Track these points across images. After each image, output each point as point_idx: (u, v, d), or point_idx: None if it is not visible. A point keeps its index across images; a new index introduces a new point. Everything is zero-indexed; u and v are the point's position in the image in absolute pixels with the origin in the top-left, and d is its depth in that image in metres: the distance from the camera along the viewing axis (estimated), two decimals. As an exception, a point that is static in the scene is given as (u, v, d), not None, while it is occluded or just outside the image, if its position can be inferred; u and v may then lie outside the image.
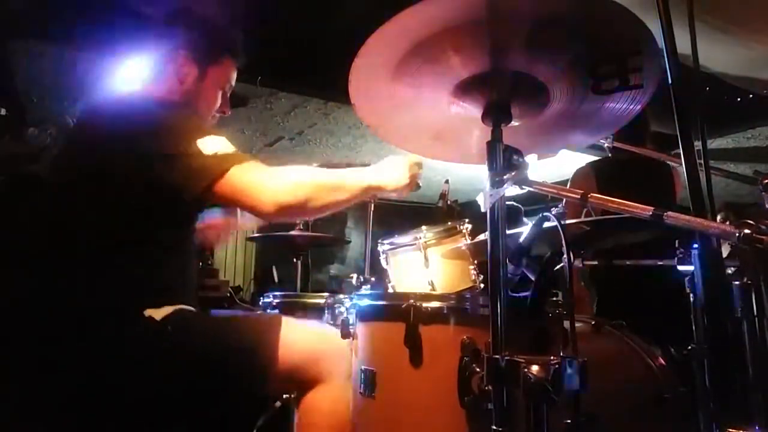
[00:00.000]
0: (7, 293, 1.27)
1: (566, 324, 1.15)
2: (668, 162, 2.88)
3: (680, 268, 1.25)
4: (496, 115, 1.03)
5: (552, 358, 0.88)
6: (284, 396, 1.61)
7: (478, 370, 1.03)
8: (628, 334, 1.76)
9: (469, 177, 4.61)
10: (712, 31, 2.65)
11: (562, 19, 0.90)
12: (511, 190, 0.98)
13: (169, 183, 1.27)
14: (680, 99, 1.03)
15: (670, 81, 1.03)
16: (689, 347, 1.18)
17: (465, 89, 1.03)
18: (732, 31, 2.69)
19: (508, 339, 0.93)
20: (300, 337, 1.39)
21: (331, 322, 2.02)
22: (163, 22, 1.61)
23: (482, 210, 1.01)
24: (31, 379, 1.21)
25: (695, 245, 1.01)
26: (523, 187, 0.97)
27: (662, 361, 1.68)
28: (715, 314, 1.04)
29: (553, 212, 1.10)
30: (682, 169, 1.01)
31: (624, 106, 1.04)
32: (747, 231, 0.77)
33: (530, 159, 1.01)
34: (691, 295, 1.17)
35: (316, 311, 2.08)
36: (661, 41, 1.00)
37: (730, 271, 1.07)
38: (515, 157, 0.99)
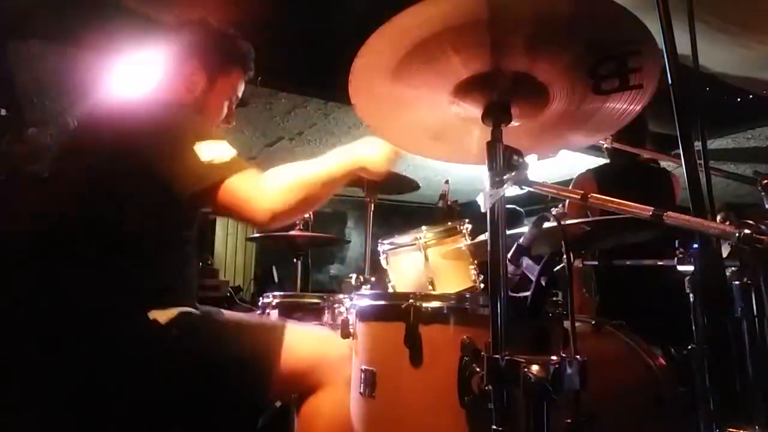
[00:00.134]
0: (7, 293, 1.27)
1: (566, 324, 1.15)
2: (668, 166, 2.89)
3: (680, 268, 1.25)
4: (496, 115, 1.03)
5: (552, 358, 0.88)
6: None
7: (478, 370, 1.03)
8: (628, 334, 1.77)
9: (469, 177, 4.61)
10: (712, 31, 2.66)
11: (562, 19, 0.90)
12: (511, 191, 0.98)
13: (167, 185, 1.28)
14: (680, 99, 1.03)
15: (670, 81, 1.03)
16: (689, 347, 1.18)
17: (465, 89, 1.03)
18: (732, 31, 2.70)
19: (508, 339, 0.93)
20: (303, 344, 1.39)
21: (331, 322, 2.02)
22: (176, 29, 1.61)
23: (482, 210, 1.01)
24: (31, 379, 1.21)
25: (695, 245, 1.01)
26: (523, 187, 0.97)
27: (662, 361, 1.68)
28: (715, 314, 1.04)
29: (553, 212, 1.10)
30: (682, 170, 1.01)
31: (624, 106, 1.04)
32: (747, 231, 0.77)
33: (530, 159, 1.01)
34: (691, 295, 1.17)
35: (316, 311, 2.08)
36: (661, 41, 1.01)
37: (730, 272, 1.07)
38: (515, 157, 0.99)
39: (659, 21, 1.05)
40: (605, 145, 2.41)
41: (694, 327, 1.17)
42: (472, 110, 1.06)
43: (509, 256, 1.18)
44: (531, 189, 0.97)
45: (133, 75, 2.52)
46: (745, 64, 3.12)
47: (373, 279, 2.15)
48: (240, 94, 1.66)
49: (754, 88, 3.44)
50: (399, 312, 1.23)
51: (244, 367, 1.31)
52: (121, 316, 1.26)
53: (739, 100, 3.56)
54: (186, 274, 1.43)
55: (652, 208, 0.86)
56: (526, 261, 1.18)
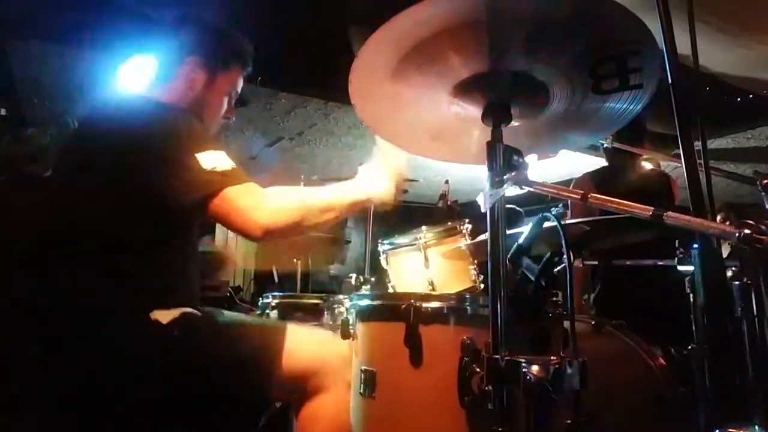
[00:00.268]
0: (8, 294, 1.27)
1: (566, 324, 1.15)
2: (668, 165, 2.90)
3: (680, 268, 1.25)
4: (496, 115, 1.03)
5: (552, 358, 0.88)
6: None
7: (478, 370, 1.03)
8: (628, 334, 1.77)
9: (469, 177, 4.59)
10: (712, 31, 2.65)
11: (562, 19, 0.90)
12: (511, 190, 0.98)
13: (167, 190, 1.28)
14: (680, 99, 1.03)
15: (670, 81, 1.03)
16: (689, 347, 1.18)
17: (465, 89, 1.03)
18: (732, 31, 2.70)
19: (508, 339, 0.93)
20: (304, 346, 1.39)
21: (331, 323, 2.02)
22: (174, 27, 1.61)
23: (482, 210, 1.01)
24: (31, 379, 1.21)
25: (695, 245, 1.01)
26: (523, 187, 0.97)
27: (662, 361, 1.68)
28: (715, 314, 1.04)
29: (553, 212, 1.10)
30: (682, 170, 1.01)
31: (624, 106, 1.04)
32: (747, 231, 0.77)
33: (530, 159, 1.01)
34: (691, 295, 1.17)
35: (315, 311, 2.08)
36: (661, 41, 1.00)
37: (730, 272, 1.07)
38: (515, 157, 0.99)
39: (659, 21, 1.05)
40: (605, 145, 2.42)
41: (694, 327, 1.17)
42: (472, 110, 1.06)
43: (509, 256, 1.18)
44: (531, 189, 0.97)
45: (133, 74, 2.52)
46: (745, 64, 3.12)
47: (373, 279, 2.15)
48: (239, 90, 1.66)
49: (754, 88, 3.44)
50: (399, 312, 1.23)
51: (245, 368, 1.31)
52: (121, 317, 1.26)
53: (739, 100, 3.56)
54: (187, 274, 1.43)
55: (652, 208, 0.86)
56: (526, 261, 1.18)
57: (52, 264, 1.28)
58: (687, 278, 1.20)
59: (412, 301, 1.23)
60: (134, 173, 1.29)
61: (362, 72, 1.00)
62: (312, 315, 2.07)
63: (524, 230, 1.15)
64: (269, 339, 1.36)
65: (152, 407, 1.25)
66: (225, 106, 1.62)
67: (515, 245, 1.14)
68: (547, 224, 1.13)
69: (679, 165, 1.03)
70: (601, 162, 3.09)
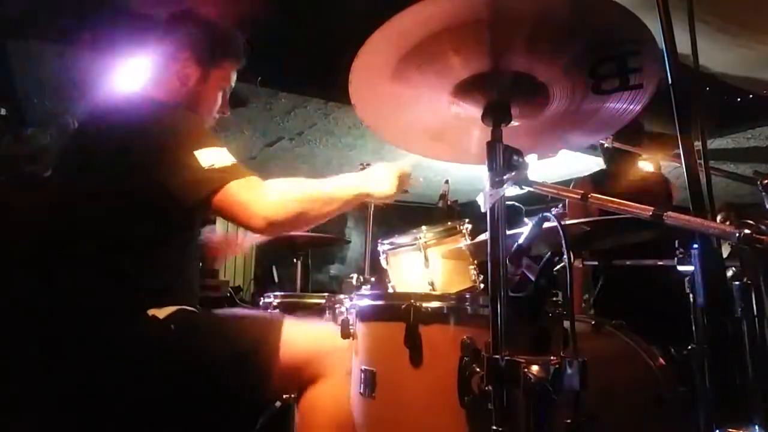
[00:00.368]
0: (7, 293, 1.27)
1: (566, 324, 1.15)
2: (667, 165, 2.90)
3: (680, 268, 1.25)
4: (496, 115, 1.03)
5: (552, 358, 0.88)
6: (284, 396, 1.61)
7: (478, 370, 1.03)
8: (628, 334, 1.77)
9: (469, 177, 4.60)
10: (712, 31, 2.66)
11: (562, 19, 0.90)
12: (511, 191, 0.98)
13: (168, 189, 1.28)
14: (680, 99, 1.03)
15: (670, 81, 1.03)
16: (689, 347, 1.18)
17: (465, 89, 1.03)
18: (732, 31, 2.70)
19: (508, 339, 0.93)
20: (301, 336, 1.39)
21: (331, 323, 2.02)
22: (166, 24, 1.61)
23: (482, 210, 1.01)
24: (31, 379, 1.21)
25: (695, 245, 1.01)
26: (523, 187, 0.97)
27: (662, 361, 1.68)
28: (715, 314, 1.04)
29: (553, 212, 1.10)
30: (683, 169, 1.01)
31: (624, 106, 1.04)
32: (747, 231, 0.77)
33: (530, 159, 1.01)
34: (691, 295, 1.17)
35: (316, 311, 2.08)
36: (661, 41, 1.00)
37: (730, 272, 1.07)
38: (515, 157, 0.99)
39: (659, 21, 1.05)
40: (606, 145, 2.42)
41: (694, 327, 1.17)
42: (472, 110, 1.06)
43: (509, 256, 1.18)
44: (531, 189, 0.97)
45: (130, 73, 2.52)
46: (745, 64, 3.12)
47: (373, 279, 2.15)
48: (233, 84, 1.66)
49: (754, 88, 3.44)
50: (399, 312, 1.23)
51: (243, 362, 1.31)
52: (121, 316, 1.26)
53: (739, 100, 3.56)
54: (187, 274, 1.44)
55: (651, 208, 0.86)
56: (526, 261, 1.18)
57: (52, 264, 1.28)
58: (687, 278, 1.20)
59: (412, 301, 1.23)
60: (134, 173, 1.29)
61: (362, 72, 1.00)
62: (312, 315, 2.07)
63: (524, 230, 1.15)
64: (266, 331, 1.37)
65: (152, 405, 1.25)
66: (219, 101, 1.62)
67: (515, 245, 1.14)
68: (547, 224, 1.13)
69: (679, 165, 1.03)
70: (600, 162, 3.09)
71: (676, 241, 1.29)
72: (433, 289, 1.76)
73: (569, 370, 0.88)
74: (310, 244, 3.04)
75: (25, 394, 1.21)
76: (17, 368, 1.22)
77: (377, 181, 1.51)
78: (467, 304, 1.25)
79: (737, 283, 1.02)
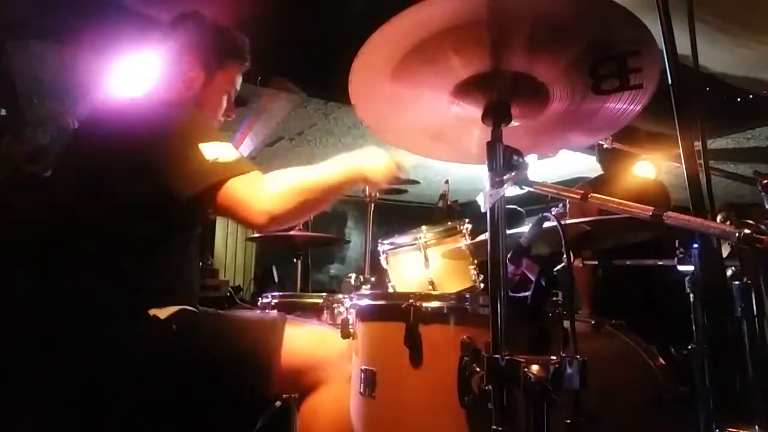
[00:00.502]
0: (7, 293, 1.27)
1: (566, 324, 1.15)
2: (667, 165, 2.90)
3: (680, 268, 1.25)
4: (496, 115, 1.03)
5: (552, 358, 0.88)
6: (284, 396, 1.61)
7: (478, 370, 1.03)
8: (628, 334, 1.77)
9: (469, 177, 4.61)
10: (712, 31, 2.66)
11: (562, 19, 0.90)
12: (511, 191, 0.98)
13: (168, 184, 1.27)
14: (680, 99, 1.03)
15: (670, 81, 1.03)
16: (689, 347, 1.18)
17: (465, 89, 1.03)
18: (732, 31, 2.70)
19: (508, 339, 0.93)
20: (303, 340, 1.39)
21: (331, 322, 2.02)
22: (170, 26, 1.61)
23: (482, 210, 1.01)
24: (31, 379, 1.21)
25: (695, 245, 1.01)
26: (523, 187, 0.97)
27: (662, 361, 1.68)
28: (715, 314, 1.04)
29: (553, 212, 1.10)
30: (683, 169, 1.01)
31: (624, 106, 1.04)
32: (747, 231, 0.77)
33: (530, 159, 1.01)
34: (691, 295, 1.17)
35: (315, 311, 2.08)
36: (661, 41, 1.00)
37: (730, 272, 1.07)
38: (515, 157, 0.98)
39: (659, 21, 1.05)
40: (605, 145, 2.41)
41: (694, 327, 1.17)
42: (472, 110, 1.06)
43: (509, 256, 1.18)
44: (531, 189, 0.97)
45: (132, 74, 2.52)
46: (745, 64, 3.12)
47: (373, 279, 2.15)
48: (238, 87, 1.66)
49: (754, 88, 3.44)
50: (399, 312, 1.23)
51: (244, 362, 1.31)
52: (121, 316, 1.26)
53: (739, 100, 3.56)
54: (187, 274, 1.44)
55: (651, 208, 0.86)
56: (526, 261, 1.18)
57: (52, 264, 1.28)
58: (687, 278, 1.20)
59: (412, 301, 1.23)
60: (135, 172, 1.28)
61: (362, 72, 1.00)
62: (312, 315, 2.07)
63: (524, 230, 1.15)
64: (267, 332, 1.36)
65: (152, 404, 1.25)
66: (224, 105, 1.62)
67: (515, 245, 1.14)
68: (547, 224, 1.13)
69: (679, 165, 1.03)
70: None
71: (676, 241, 1.29)
72: (433, 289, 1.76)
73: (569, 370, 0.88)
74: (310, 244, 3.03)
75: (25, 394, 1.21)
76: (17, 368, 1.22)
77: (370, 158, 1.48)
78: (467, 304, 1.25)
79: (737, 283, 1.02)
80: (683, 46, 1.09)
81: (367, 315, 1.38)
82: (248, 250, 6.35)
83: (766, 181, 1.26)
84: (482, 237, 1.71)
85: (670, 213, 0.83)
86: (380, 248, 1.94)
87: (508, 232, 1.01)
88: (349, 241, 6.26)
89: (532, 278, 1.11)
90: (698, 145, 1.13)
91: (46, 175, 1.37)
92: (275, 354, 1.32)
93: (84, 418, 1.22)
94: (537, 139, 1.19)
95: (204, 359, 1.29)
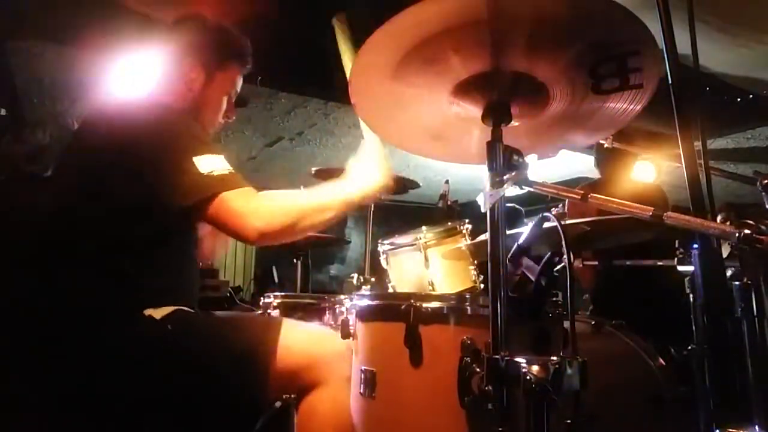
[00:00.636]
0: (7, 293, 1.27)
1: (566, 324, 1.15)
2: (667, 165, 2.90)
3: (680, 268, 1.26)
4: (496, 115, 1.03)
5: (552, 358, 0.88)
6: (284, 396, 1.61)
7: (478, 370, 1.03)
8: (628, 334, 1.77)
9: (469, 177, 4.61)
10: (712, 31, 2.66)
11: (562, 19, 0.90)
12: (511, 191, 0.98)
13: (161, 194, 1.28)
14: (680, 99, 1.03)
15: (670, 81, 1.03)
16: (689, 347, 1.18)
17: (465, 89, 1.03)
18: (732, 31, 2.70)
19: (508, 339, 0.93)
20: (299, 340, 1.39)
21: (331, 323, 2.02)
22: (172, 27, 1.61)
23: (482, 210, 1.01)
24: (30, 378, 1.21)
25: (695, 245, 1.01)
26: (523, 187, 0.97)
27: (662, 361, 1.68)
28: (715, 314, 1.04)
29: (553, 212, 1.10)
30: (683, 170, 1.01)
31: (624, 106, 1.04)
32: (747, 231, 0.77)
33: (530, 159, 1.01)
34: (691, 295, 1.17)
35: (316, 312, 2.08)
36: (661, 41, 1.00)
37: (730, 272, 1.07)
38: (515, 157, 0.99)
39: (659, 21, 1.05)
40: (606, 145, 2.41)
41: (694, 327, 1.17)
42: (472, 110, 1.06)
43: (509, 256, 1.18)
44: (531, 189, 0.97)
45: (132, 74, 2.52)
46: (745, 64, 3.12)
47: (373, 279, 2.15)
48: (239, 89, 1.66)
49: (754, 88, 3.44)
50: (399, 312, 1.23)
51: (240, 363, 1.31)
52: (120, 316, 1.26)
53: (739, 100, 3.57)
54: (186, 274, 1.44)
55: (651, 208, 0.86)
56: (526, 261, 1.18)
57: (52, 264, 1.28)
58: (687, 278, 1.20)
59: (412, 301, 1.23)
60: (133, 175, 1.29)
61: (362, 72, 1.00)
62: (312, 315, 2.07)
63: (524, 230, 1.15)
64: (263, 333, 1.36)
65: (149, 404, 1.25)
66: (224, 106, 1.62)
67: (515, 245, 1.14)
68: (547, 224, 1.13)
69: (679, 165, 1.03)
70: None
71: (676, 241, 1.29)
72: (433, 289, 1.76)
73: (569, 370, 0.88)
74: (310, 244, 3.04)
75: (24, 394, 1.21)
76: (17, 368, 1.22)
77: (367, 183, 1.50)
78: (467, 304, 1.25)
79: (737, 283, 1.02)
80: (683, 46, 1.09)
81: (367, 315, 1.38)
82: (248, 251, 6.36)
83: (766, 181, 1.25)
84: (482, 237, 1.71)
85: (670, 213, 0.83)
86: (380, 248, 1.94)
87: (508, 232, 1.01)
88: (349, 242, 6.26)
89: (532, 278, 1.11)
90: (698, 145, 1.13)
91: (45, 175, 1.37)
92: (271, 354, 1.32)
93: (82, 417, 1.22)
94: (537, 139, 1.19)
95: (199, 359, 1.29)
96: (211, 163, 1.29)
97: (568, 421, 0.95)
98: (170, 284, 1.37)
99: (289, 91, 3.70)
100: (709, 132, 3.85)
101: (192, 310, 1.37)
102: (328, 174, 2.17)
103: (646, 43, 0.91)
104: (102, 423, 1.23)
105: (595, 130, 1.17)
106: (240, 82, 1.65)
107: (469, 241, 1.77)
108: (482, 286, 1.74)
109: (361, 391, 1.29)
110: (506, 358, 0.90)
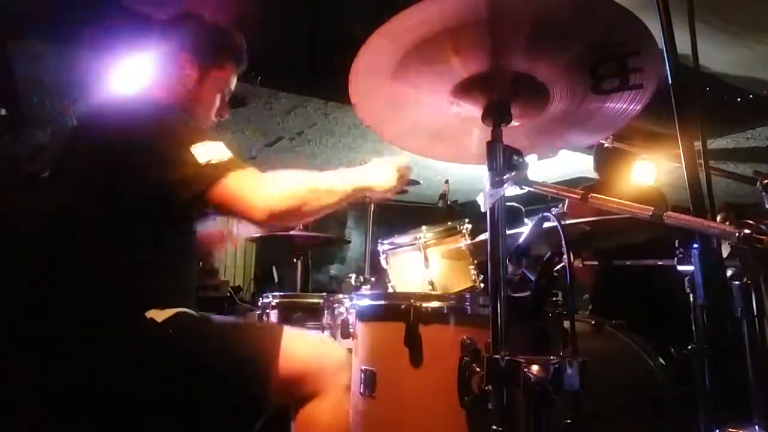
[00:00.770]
0: (7, 294, 1.27)
1: (566, 324, 1.15)
2: (667, 165, 2.90)
3: (680, 268, 1.25)
4: (496, 115, 1.03)
5: (552, 358, 0.88)
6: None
7: (478, 370, 1.03)
8: (628, 334, 1.77)
9: (469, 177, 4.61)
10: (712, 31, 2.66)
11: (562, 19, 0.90)
12: (511, 190, 0.98)
13: (164, 188, 1.28)
14: (680, 99, 1.03)
15: (670, 81, 1.03)
16: (689, 347, 1.18)
17: (465, 89, 1.03)
18: (732, 31, 2.70)
19: (508, 339, 0.93)
20: (301, 349, 1.37)
21: (331, 323, 2.02)
22: (166, 24, 1.61)
23: (482, 210, 1.01)
24: (31, 379, 1.21)
25: (695, 245, 1.01)
26: (523, 187, 0.97)
27: (662, 361, 1.68)
28: (715, 314, 1.04)
29: (553, 212, 1.10)
30: (683, 170, 1.01)
31: (624, 106, 1.04)
32: (747, 231, 0.77)
33: (530, 159, 1.01)
34: (691, 295, 1.17)
35: (315, 311, 2.08)
36: (661, 41, 1.00)
37: (730, 272, 1.07)
38: (515, 157, 0.99)
39: (659, 21, 1.05)
40: (606, 145, 2.41)
41: (694, 327, 1.17)
42: (472, 110, 1.06)
43: (509, 256, 1.18)
44: (531, 189, 0.97)
45: (130, 72, 2.52)
46: (745, 64, 3.12)
47: (373, 279, 2.15)
48: (233, 87, 1.66)
49: (754, 88, 3.44)
50: (399, 312, 1.23)
51: (241, 368, 1.31)
52: (120, 317, 1.26)
53: (739, 100, 3.57)
54: (186, 274, 1.43)
55: (651, 208, 0.86)
56: (526, 261, 1.18)
57: (53, 264, 1.28)
58: (687, 278, 1.20)
59: (412, 301, 1.23)
60: (133, 173, 1.29)
61: (362, 72, 1.00)
62: (312, 315, 2.07)
63: (524, 230, 1.15)
64: (264, 339, 1.36)
65: (147, 405, 1.25)
66: (218, 103, 1.62)
67: (515, 245, 1.14)
68: (547, 224, 1.13)
69: (679, 165, 1.03)
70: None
71: (676, 241, 1.29)
72: (433, 289, 1.76)
73: (569, 370, 0.88)
74: (310, 244, 3.04)
75: (25, 394, 1.21)
76: (17, 368, 1.22)
77: (377, 174, 1.51)
78: (467, 304, 1.25)
79: (737, 283, 1.02)
80: (683, 46, 1.09)
81: (367, 315, 1.38)
82: (248, 250, 6.35)
83: (766, 181, 1.25)
84: (482, 237, 1.71)
85: (670, 213, 0.83)
86: (380, 248, 1.94)
87: (508, 231, 1.01)
88: (349, 241, 6.25)
89: (532, 278, 1.12)
90: (698, 145, 1.13)
91: (45, 175, 1.37)
92: (273, 361, 1.31)
93: (82, 418, 1.22)
94: (537, 139, 1.19)
95: (199, 363, 1.28)
96: (210, 151, 1.29)
97: (568, 421, 0.95)
98: (170, 284, 1.37)
99: (289, 91, 3.70)
100: (709, 132, 3.86)
101: (194, 314, 1.36)
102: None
103: (646, 43, 0.91)
104: (101, 424, 1.23)
105: (595, 130, 1.17)
106: (234, 80, 1.65)
107: (469, 241, 1.77)
108: (482, 285, 1.74)
109: (361, 390, 1.29)
110: (506, 357, 0.90)
